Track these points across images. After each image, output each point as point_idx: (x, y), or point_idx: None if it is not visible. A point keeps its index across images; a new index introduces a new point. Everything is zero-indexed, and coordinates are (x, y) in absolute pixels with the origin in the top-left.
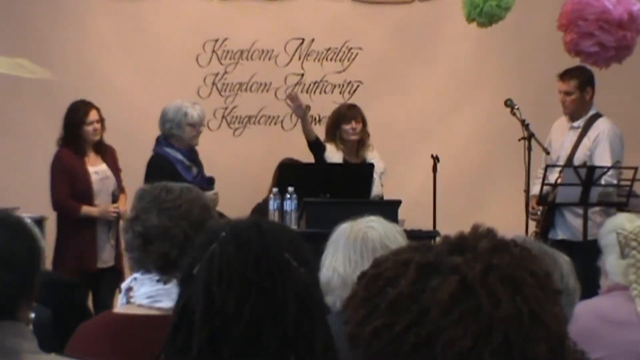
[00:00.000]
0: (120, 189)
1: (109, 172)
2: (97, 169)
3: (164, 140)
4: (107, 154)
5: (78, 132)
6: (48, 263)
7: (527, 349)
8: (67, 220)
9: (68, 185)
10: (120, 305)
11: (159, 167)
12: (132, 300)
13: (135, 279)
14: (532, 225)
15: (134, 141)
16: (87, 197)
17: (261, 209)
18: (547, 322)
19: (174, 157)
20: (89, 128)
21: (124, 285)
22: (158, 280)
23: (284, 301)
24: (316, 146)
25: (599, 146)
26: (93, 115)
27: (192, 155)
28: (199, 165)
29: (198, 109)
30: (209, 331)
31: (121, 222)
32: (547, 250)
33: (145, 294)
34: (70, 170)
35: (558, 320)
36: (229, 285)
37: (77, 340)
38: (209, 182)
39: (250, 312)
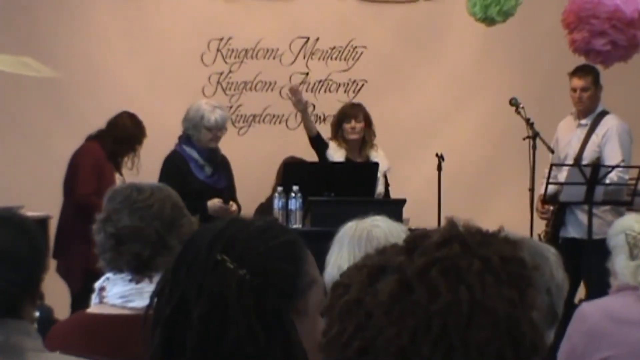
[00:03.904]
0: None
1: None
2: (116, 175)
3: (184, 137)
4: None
5: (125, 149)
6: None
7: (469, 337)
8: (80, 218)
9: (96, 181)
10: (93, 305)
11: (171, 164)
12: (104, 300)
13: (107, 278)
14: (537, 224)
15: None
16: None
17: (265, 208)
18: (493, 306)
19: (189, 155)
20: (129, 158)
21: (97, 285)
22: (130, 280)
23: (193, 301)
24: (317, 142)
25: (609, 142)
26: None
27: (210, 155)
28: (217, 166)
29: (218, 113)
30: (164, 338)
31: None
32: (535, 245)
33: (118, 293)
34: (101, 168)
35: (512, 304)
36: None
37: (50, 339)
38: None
39: (198, 317)
